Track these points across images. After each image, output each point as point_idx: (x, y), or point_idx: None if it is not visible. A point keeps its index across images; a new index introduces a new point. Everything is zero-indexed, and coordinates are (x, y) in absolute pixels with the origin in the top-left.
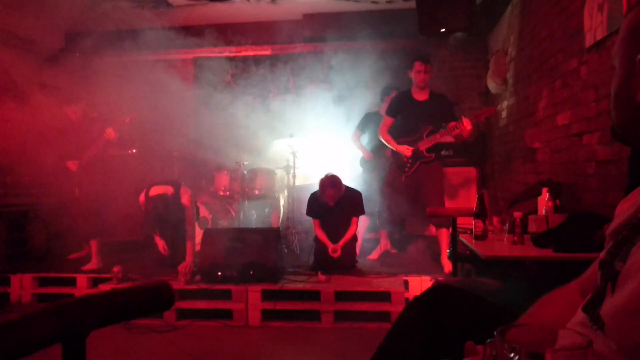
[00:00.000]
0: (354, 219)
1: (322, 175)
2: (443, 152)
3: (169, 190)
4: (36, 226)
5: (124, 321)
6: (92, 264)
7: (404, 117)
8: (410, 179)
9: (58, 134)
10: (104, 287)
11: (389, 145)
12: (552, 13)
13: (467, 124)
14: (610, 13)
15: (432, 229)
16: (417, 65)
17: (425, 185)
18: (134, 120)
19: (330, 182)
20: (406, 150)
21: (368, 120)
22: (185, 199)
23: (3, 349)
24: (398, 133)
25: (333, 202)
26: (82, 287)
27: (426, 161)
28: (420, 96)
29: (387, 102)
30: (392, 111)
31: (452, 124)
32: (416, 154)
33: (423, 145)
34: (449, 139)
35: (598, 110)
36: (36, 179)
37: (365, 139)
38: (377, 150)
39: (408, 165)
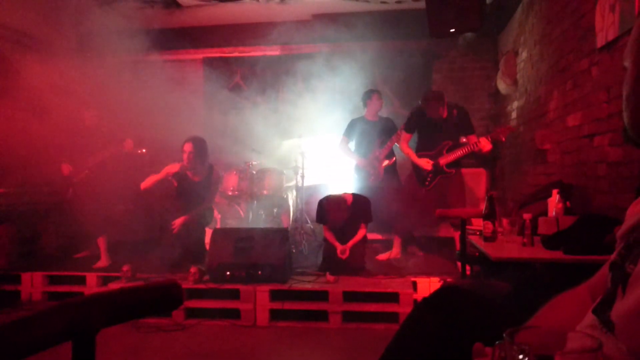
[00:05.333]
0: (362, 224)
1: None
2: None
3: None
4: (46, 225)
5: (132, 320)
6: (102, 262)
7: (422, 133)
8: (430, 192)
9: (69, 135)
10: (114, 286)
11: (410, 158)
12: (564, 13)
13: (484, 145)
14: (622, 13)
15: (443, 231)
16: (430, 104)
17: (448, 196)
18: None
19: (336, 204)
20: (426, 164)
21: (353, 126)
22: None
23: (15, 346)
24: (417, 148)
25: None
26: (91, 285)
27: (447, 176)
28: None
29: (369, 106)
30: (410, 127)
31: (472, 142)
32: (436, 169)
33: (443, 161)
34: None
35: (609, 111)
36: (45, 179)
37: (353, 145)
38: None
39: (428, 179)
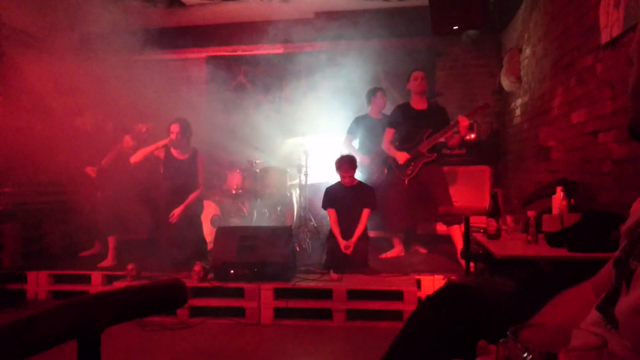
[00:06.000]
0: (365, 211)
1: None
2: (455, 152)
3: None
4: (51, 224)
5: (137, 318)
6: (108, 261)
7: (404, 127)
8: (413, 182)
9: (74, 135)
10: (119, 285)
11: (389, 154)
12: (568, 9)
13: (462, 121)
14: (626, 9)
15: (443, 228)
16: (413, 75)
17: (431, 186)
18: (150, 130)
19: (347, 159)
20: (401, 156)
21: (358, 124)
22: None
23: (21, 345)
24: (401, 142)
25: (349, 181)
26: (96, 284)
27: (428, 161)
28: (420, 105)
29: (374, 103)
30: (393, 123)
31: (450, 124)
32: (418, 156)
33: (424, 147)
34: (448, 143)
35: (614, 108)
36: (52, 178)
37: (357, 143)
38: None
39: (411, 167)
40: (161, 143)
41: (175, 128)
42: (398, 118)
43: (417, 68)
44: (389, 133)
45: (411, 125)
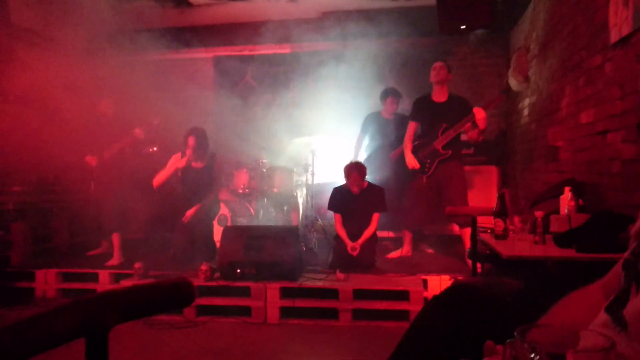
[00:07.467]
0: (375, 215)
1: (347, 163)
2: (463, 151)
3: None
4: (60, 222)
5: (145, 317)
6: (114, 260)
7: (424, 120)
8: (431, 180)
9: (82, 130)
10: (126, 283)
11: (405, 152)
12: (576, 8)
13: (478, 112)
14: (636, 8)
15: (453, 228)
16: (433, 66)
17: (447, 185)
18: (161, 123)
19: (356, 167)
20: (411, 162)
21: (369, 122)
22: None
23: (28, 342)
24: (419, 135)
25: (358, 189)
26: (104, 282)
27: (444, 159)
28: (439, 98)
29: (387, 104)
30: (414, 115)
31: (465, 118)
32: (433, 153)
33: (439, 144)
34: (467, 136)
35: (623, 107)
36: (60, 176)
37: (367, 140)
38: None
39: (427, 165)
40: (181, 164)
41: (192, 141)
42: (419, 110)
43: (436, 59)
44: (411, 127)
45: (429, 118)
